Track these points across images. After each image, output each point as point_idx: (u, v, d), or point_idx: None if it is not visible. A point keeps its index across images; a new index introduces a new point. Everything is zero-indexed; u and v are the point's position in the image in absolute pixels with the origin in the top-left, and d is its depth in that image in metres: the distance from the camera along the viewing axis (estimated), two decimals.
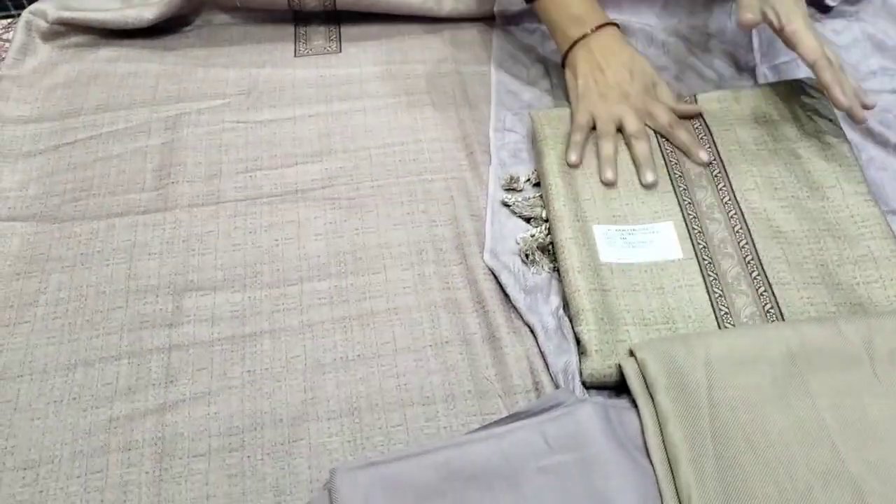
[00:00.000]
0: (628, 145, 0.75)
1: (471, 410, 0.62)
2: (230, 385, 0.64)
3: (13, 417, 0.62)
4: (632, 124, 0.75)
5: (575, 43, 0.80)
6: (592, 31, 0.79)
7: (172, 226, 0.74)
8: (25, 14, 0.92)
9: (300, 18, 0.97)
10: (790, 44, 0.71)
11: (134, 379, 0.64)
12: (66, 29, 0.91)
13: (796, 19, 0.70)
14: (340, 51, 0.93)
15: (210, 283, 0.70)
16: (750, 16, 0.72)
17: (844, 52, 0.87)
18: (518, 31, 0.93)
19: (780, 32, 0.72)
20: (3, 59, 0.91)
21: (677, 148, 0.75)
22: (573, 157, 0.74)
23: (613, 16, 0.83)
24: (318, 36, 0.95)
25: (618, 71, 0.77)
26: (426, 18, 0.95)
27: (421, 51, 0.93)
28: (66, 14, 0.91)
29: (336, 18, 0.96)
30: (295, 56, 0.93)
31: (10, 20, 1.00)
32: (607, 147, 0.75)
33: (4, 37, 0.97)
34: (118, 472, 0.58)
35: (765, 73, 0.86)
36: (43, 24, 0.91)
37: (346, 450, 0.60)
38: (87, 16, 0.90)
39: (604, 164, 0.74)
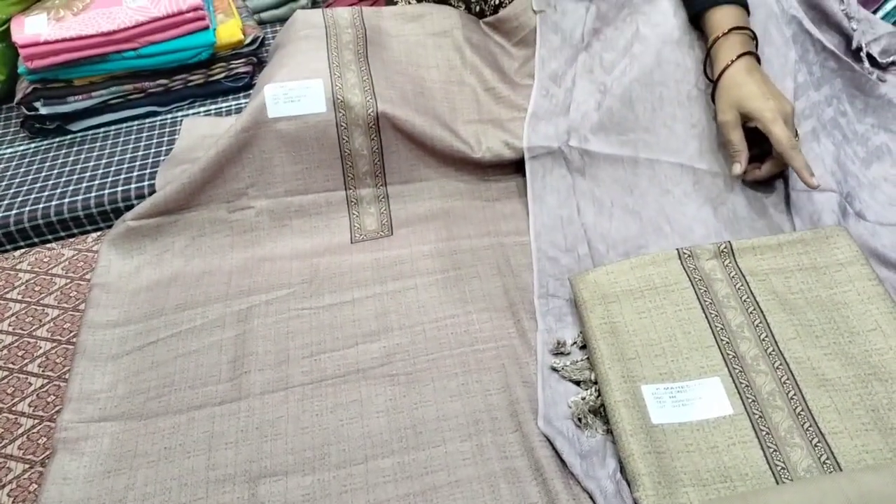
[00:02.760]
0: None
1: None
2: None
3: None
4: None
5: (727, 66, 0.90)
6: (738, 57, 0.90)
7: (246, 414, 0.80)
8: (120, 227, 1.02)
9: (353, 201, 1.05)
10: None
11: None
12: (147, 236, 1.02)
13: (765, 114, 0.85)
14: (392, 233, 1.01)
15: (282, 467, 0.75)
16: (739, 168, 0.89)
17: None
18: (551, 178, 0.99)
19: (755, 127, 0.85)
20: (94, 269, 1.02)
21: (795, 169, 0.85)
22: (737, 169, 0.89)
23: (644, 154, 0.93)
24: (372, 223, 1.04)
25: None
26: (470, 195, 1.03)
27: (465, 226, 1.00)
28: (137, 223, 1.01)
29: (386, 196, 1.04)
30: (351, 243, 1.01)
31: (99, 233, 1.12)
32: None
33: (94, 248, 1.08)
34: None
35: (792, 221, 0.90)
36: (121, 230, 1.02)
37: None
38: (141, 209, 1.01)
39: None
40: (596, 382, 0.76)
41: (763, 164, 0.90)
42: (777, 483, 0.65)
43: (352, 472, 0.73)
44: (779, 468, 0.66)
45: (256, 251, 1.01)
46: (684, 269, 0.82)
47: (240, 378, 0.84)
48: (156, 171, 1.14)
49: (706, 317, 0.78)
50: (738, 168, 0.88)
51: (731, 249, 0.83)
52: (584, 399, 0.75)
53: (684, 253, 0.83)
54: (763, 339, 0.75)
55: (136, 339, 0.91)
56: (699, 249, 0.83)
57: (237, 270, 0.99)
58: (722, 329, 0.77)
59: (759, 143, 0.89)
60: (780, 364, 0.73)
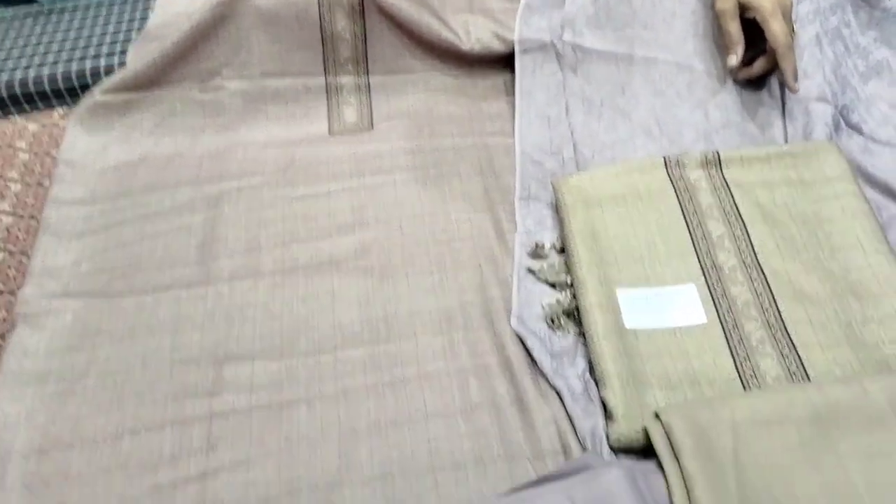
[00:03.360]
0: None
1: (500, 474, 0.63)
2: (268, 452, 0.66)
3: (64, 487, 0.65)
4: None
5: None
6: None
7: (214, 298, 0.78)
8: (87, 102, 0.98)
9: (333, 90, 1.00)
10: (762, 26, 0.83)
11: (177, 447, 0.66)
12: (116, 112, 0.97)
13: (765, 4, 0.83)
14: (372, 127, 0.98)
15: (249, 352, 0.73)
16: (735, 59, 0.87)
17: None
18: (541, 75, 0.95)
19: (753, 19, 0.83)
20: (60, 144, 0.98)
21: (782, 68, 0.84)
22: (733, 61, 0.87)
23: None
24: (351, 114, 1.00)
25: None
26: (456, 92, 0.99)
27: (448, 125, 0.97)
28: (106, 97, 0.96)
29: (367, 86, 1.00)
30: (329, 134, 0.98)
31: (66, 108, 1.07)
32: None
33: (61, 124, 1.03)
34: None
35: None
36: (89, 104, 0.97)
37: None
38: (114, 80, 0.96)
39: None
40: (571, 285, 0.75)
41: (755, 61, 0.87)
42: (745, 390, 0.65)
43: (320, 361, 0.73)
44: (748, 375, 0.66)
45: (229, 136, 0.97)
46: (670, 177, 0.80)
47: (208, 263, 0.82)
48: (128, 47, 1.08)
49: (688, 226, 0.77)
50: (734, 59, 0.86)
51: (719, 159, 0.81)
52: (558, 301, 0.75)
53: (671, 161, 0.81)
54: (742, 251, 0.74)
55: (103, 218, 0.88)
56: (686, 158, 0.81)
57: (208, 154, 0.95)
58: (702, 238, 0.76)
59: (753, 40, 0.86)
60: (758, 276, 0.72)
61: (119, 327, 0.76)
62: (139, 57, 0.99)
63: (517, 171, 0.89)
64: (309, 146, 0.96)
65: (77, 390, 0.71)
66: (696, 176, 0.80)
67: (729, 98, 0.89)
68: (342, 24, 0.97)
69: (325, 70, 0.98)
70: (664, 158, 0.81)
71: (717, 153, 0.81)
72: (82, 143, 0.96)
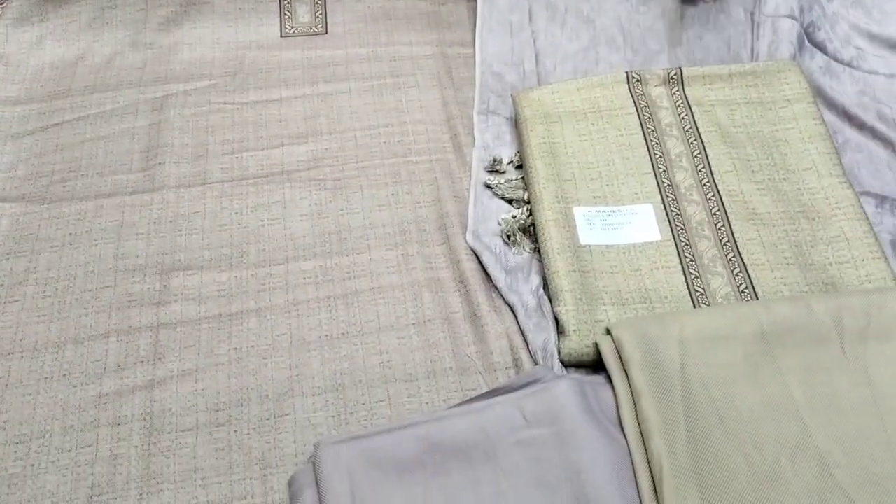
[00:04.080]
0: None
1: (452, 387, 0.64)
2: (217, 362, 0.65)
3: (4, 394, 0.63)
4: None
5: None
6: None
7: (160, 206, 0.75)
8: None
9: None
10: None
11: (123, 356, 0.65)
12: (51, 8, 0.91)
13: None
14: (326, 31, 0.94)
15: (197, 262, 0.71)
16: None
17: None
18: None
19: None
20: None
21: None
22: None
23: None
24: (304, 13, 0.95)
25: None
26: (412, 3, 0.95)
27: (406, 32, 0.93)
28: None
29: None
30: (281, 37, 0.93)
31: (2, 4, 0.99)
32: None
33: None
34: (108, 446, 0.60)
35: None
36: (29, 1, 0.91)
37: (330, 425, 0.62)
38: None
39: None
40: (528, 202, 0.75)
41: None
42: (695, 307, 0.66)
43: (271, 272, 0.71)
44: (698, 294, 0.67)
45: (174, 34, 0.92)
46: (631, 93, 0.79)
47: (153, 169, 0.78)
48: None
49: (647, 144, 0.76)
50: None
51: (681, 76, 0.80)
52: (514, 217, 0.74)
53: (633, 77, 0.80)
54: (700, 170, 0.74)
55: (39, 119, 0.83)
56: (648, 74, 0.80)
57: (152, 55, 0.90)
58: (661, 157, 0.75)
59: None
60: (713, 195, 0.72)
61: (59, 234, 0.73)
62: None
63: (477, 84, 0.86)
64: (259, 49, 0.92)
65: (16, 297, 0.69)
66: (658, 93, 0.79)
67: (696, 10, 0.87)
68: None
69: None
70: (626, 74, 0.80)
71: (680, 70, 0.80)
72: (15, 37, 0.90)
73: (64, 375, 0.64)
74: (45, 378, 0.64)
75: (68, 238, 0.73)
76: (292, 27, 0.94)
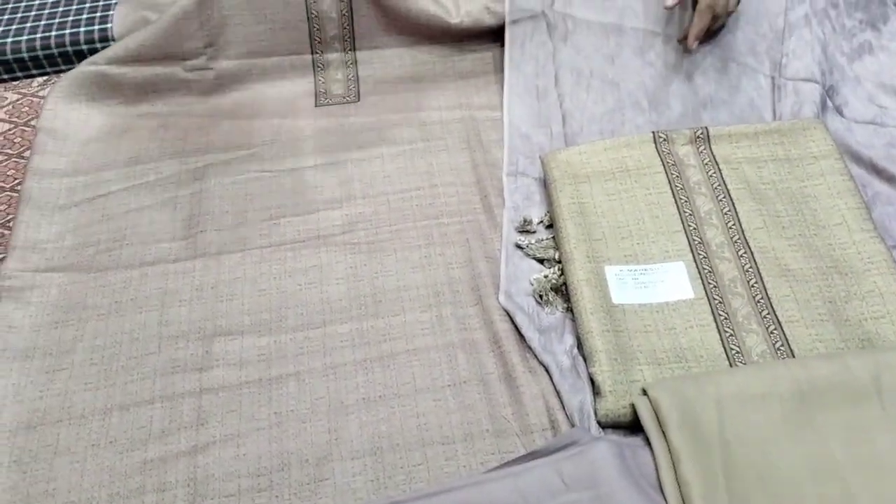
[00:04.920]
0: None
1: (489, 449, 0.64)
2: (258, 427, 0.66)
3: (53, 461, 0.65)
4: None
5: None
6: None
7: (202, 273, 0.78)
8: (70, 74, 0.96)
9: (319, 66, 1.00)
10: None
11: (167, 422, 0.67)
12: (93, 77, 0.95)
13: None
14: (359, 99, 0.97)
15: (237, 327, 0.73)
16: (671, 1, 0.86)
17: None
18: (531, 46, 0.95)
19: None
20: (40, 114, 0.96)
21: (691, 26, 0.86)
22: (669, 2, 0.86)
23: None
24: (338, 84, 0.99)
25: None
26: (443, 65, 0.99)
27: (435, 97, 0.96)
28: (92, 62, 0.95)
29: (354, 61, 0.99)
30: (316, 106, 0.97)
31: (45, 77, 1.05)
32: None
33: (41, 93, 1.02)
34: None
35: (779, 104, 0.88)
36: (72, 76, 0.95)
37: (369, 489, 0.62)
38: (107, 53, 0.94)
39: None
40: (559, 262, 0.76)
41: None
42: (731, 366, 0.66)
43: (309, 336, 0.73)
44: (734, 352, 0.67)
45: (214, 108, 0.96)
46: (658, 152, 0.81)
47: (195, 237, 0.81)
48: (108, 14, 1.06)
49: (676, 202, 0.77)
50: (670, 1, 0.87)
51: (708, 135, 0.81)
52: (546, 277, 0.75)
53: (660, 136, 0.81)
54: (730, 227, 0.75)
55: (86, 190, 0.87)
56: (675, 133, 0.82)
57: (194, 127, 0.94)
58: (690, 215, 0.76)
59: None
60: (745, 252, 0.73)
61: (105, 302, 0.76)
62: (124, 27, 0.98)
63: (505, 146, 0.88)
64: (295, 119, 0.95)
65: (65, 365, 0.71)
66: (685, 152, 0.80)
67: (719, 74, 0.89)
68: (328, 4, 0.96)
69: (311, 49, 0.98)
70: (653, 134, 0.81)
71: (706, 129, 0.81)
72: (64, 113, 0.94)
73: (110, 442, 0.66)
74: (93, 445, 0.66)
75: (114, 306, 0.75)
76: (326, 97, 0.98)
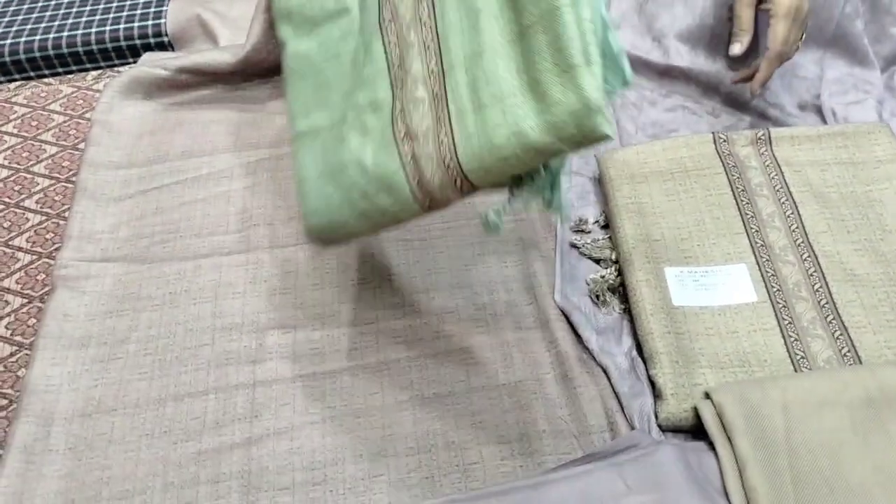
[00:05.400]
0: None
1: (546, 450, 0.63)
2: (312, 421, 0.66)
3: (108, 450, 0.65)
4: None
5: None
6: None
7: (255, 266, 0.77)
8: (131, 72, 0.97)
9: None
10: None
11: (221, 413, 0.66)
12: (151, 78, 0.96)
13: (781, 9, 0.79)
14: None
15: (291, 321, 0.73)
16: (738, 48, 0.84)
17: None
18: None
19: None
20: (94, 107, 0.97)
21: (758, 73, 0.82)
22: (736, 49, 0.83)
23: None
24: None
25: None
26: None
27: None
28: (156, 65, 0.96)
29: None
30: None
31: (99, 72, 1.06)
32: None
33: (95, 87, 1.03)
34: (207, 503, 0.61)
35: (832, 110, 0.87)
36: (132, 75, 0.97)
37: (424, 486, 0.61)
38: (176, 62, 0.95)
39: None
40: (616, 262, 0.74)
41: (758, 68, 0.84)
42: (796, 372, 0.64)
43: (363, 331, 0.72)
44: (798, 357, 0.65)
45: (267, 104, 0.97)
46: (718, 153, 0.79)
47: (248, 230, 0.81)
48: (161, 10, 1.07)
49: (737, 203, 0.75)
50: (738, 48, 0.83)
51: (769, 137, 0.79)
52: (603, 277, 0.74)
53: (720, 137, 0.80)
54: (793, 230, 0.73)
55: (140, 183, 0.87)
56: (735, 135, 0.80)
57: (246, 122, 0.94)
58: (752, 217, 0.74)
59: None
60: (809, 256, 0.71)
61: (159, 293, 0.76)
62: (177, 22, 0.99)
63: None
64: None
65: (119, 355, 0.71)
66: (746, 153, 0.79)
67: (775, 79, 0.87)
68: None
69: None
70: (713, 134, 0.80)
71: (768, 131, 0.79)
72: (119, 107, 0.95)
73: (165, 432, 0.66)
74: (147, 434, 0.66)
75: (168, 297, 0.76)
76: None
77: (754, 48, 0.86)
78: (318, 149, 0.66)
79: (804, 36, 0.83)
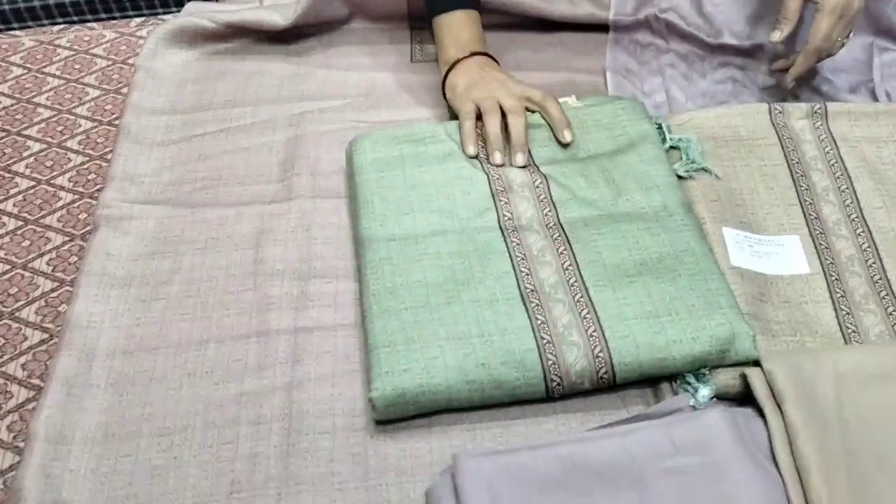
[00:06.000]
0: (506, 123, 0.78)
1: (589, 408, 0.62)
2: (352, 369, 0.65)
3: (150, 387, 0.65)
4: (508, 101, 0.79)
5: (456, 63, 0.84)
6: (471, 55, 0.84)
7: (297, 215, 0.77)
8: (177, 21, 0.96)
9: (415, 26, 0.99)
10: None
11: (262, 357, 0.66)
12: (197, 29, 0.96)
13: (828, 4, 0.77)
14: None
15: (332, 271, 0.72)
16: (778, 34, 0.81)
17: None
18: (632, 45, 0.93)
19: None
20: (138, 53, 0.96)
21: (549, 121, 0.79)
22: (470, 149, 0.77)
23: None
24: (433, 42, 0.97)
25: (496, 76, 0.82)
26: (538, 25, 0.97)
27: (535, 59, 0.94)
28: (204, 17, 0.95)
29: None
30: (411, 61, 0.95)
31: (142, 19, 1.05)
32: (493, 124, 0.78)
33: (138, 33, 1.02)
34: (248, 444, 0.61)
35: (886, 92, 0.85)
36: (177, 24, 0.96)
37: (465, 438, 0.61)
38: (224, 17, 0.95)
39: (492, 146, 0.77)
40: None
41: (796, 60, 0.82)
42: (846, 345, 0.63)
43: None
44: (850, 331, 0.64)
45: (310, 59, 0.96)
46: (773, 124, 0.78)
47: (290, 179, 0.81)
48: None
49: (791, 175, 0.74)
50: (777, 35, 0.81)
51: (825, 112, 0.78)
52: None
53: (775, 109, 0.78)
54: (847, 205, 0.72)
55: (183, 129, 0.87)
56: (791, 107, 0.78)
57: (289, 75, 0.94)
58: (806, 190, 0.73)
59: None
60: (863, 231, 0.70)
61: (202, 238, 0.76)
62: None
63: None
64: (390, 72, 0.94)
65: (161, 296, 0.71)
66: (801, 126, 0.77)
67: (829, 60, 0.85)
68: None
69: (408, 14, 0.98)
70: (768, 105, 0.78)
71: (825, 105, 0.78)
72: (163, 55, 0.94)
73: (206, 373, 0.65)
74: (189, 374, 0.65)
75: (210, 242, 0.75)
76: (422, 55, 0.96)
77: (800, 38, 0.85)
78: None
79: (850, 34, 0.81)
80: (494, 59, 0.85)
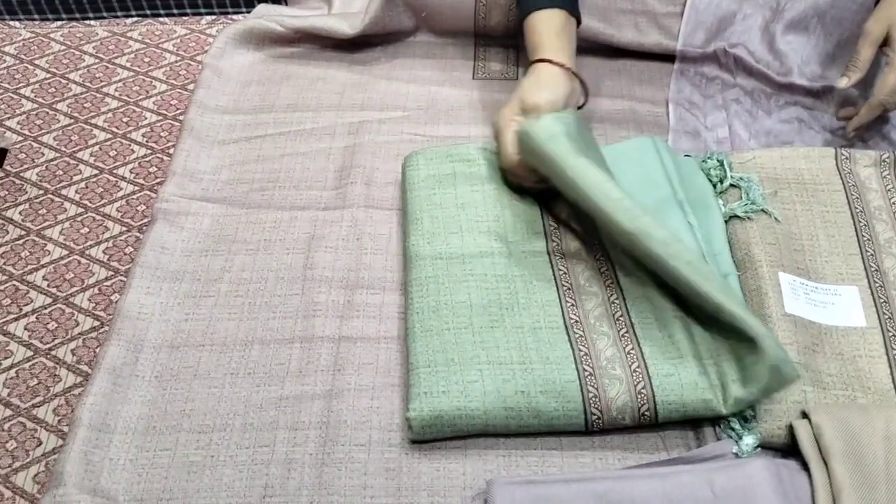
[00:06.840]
0: None
1: (628, 445, 0.62)
2: (392, 383, 0.66)
3: (193, 383, 0.66)
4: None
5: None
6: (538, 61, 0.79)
7: (349, 224, 0.77)
8: (248, 22, 0.98)
9: (480, 43, 0.99)
10: None
11: (305, 363, 0.67)
12: (266, 31, 0.97)
13: None
14: (517, 78, 0.95)
15: (379, 282, 0.73)
16: (846, 81, 0.81)
17: None
18: (697, 77, 0.92)
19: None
20: (206, 51, 0.98)
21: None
22: (843, 82, 0.80)
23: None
24: (497, 60, 0.97)
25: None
26: (601, 51, 0.96)
27: (597, 85, 0.94)
28: (273, 20, 0.97)
29: (515, 44, 0.98)
30: (473, 78, 0.96)
31: (213, 17, 1.07)
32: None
33: (208, 31, 1.04)
34: (284, 449, 0.61)
35: None
36: (247, 25, 0.98)
37: (500, 464, 0.61)
38: (293, 22, 0.96)
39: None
40: None
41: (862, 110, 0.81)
42: None
43: None
44: None
45: (373, 69, 0.97)
46: (838, 170, 0.76)
47: (345, 188, 0.81)
48: None
49: (854, 224, 0.72)
50: (844, 82, 0.80)
51: (893, 161, 0.76)
52: None
53: (842, 154, 0.76)
54: None
55: (244, 129, 0.89)
56: (858, 153, 0.77)
57: (352, 83, 0.94)
58: (868, 240, 0.71)
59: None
60: None
61: (255, 238, 0.77)
62: None
63: (669, 140, 0.85)
64: (451, 87, 0.94)
65: (211, 293, 0.72)
66: (867, 174, 0.75)
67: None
68: (496, 20, 0.95)
69: (475, 32, 0.97)
70: (835, 149, 0.77)
71: (893, 154, 0.76)
72: (230, 54, 0.96)
73: (249, 374, 0.66)
74: (231, 373, 0.66)
75: (262, 243, 0.76)
76: (484, 72, 0.97)
77: (869, 87, 0.83)
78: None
79: None
80: (558, 64, 0.78)
